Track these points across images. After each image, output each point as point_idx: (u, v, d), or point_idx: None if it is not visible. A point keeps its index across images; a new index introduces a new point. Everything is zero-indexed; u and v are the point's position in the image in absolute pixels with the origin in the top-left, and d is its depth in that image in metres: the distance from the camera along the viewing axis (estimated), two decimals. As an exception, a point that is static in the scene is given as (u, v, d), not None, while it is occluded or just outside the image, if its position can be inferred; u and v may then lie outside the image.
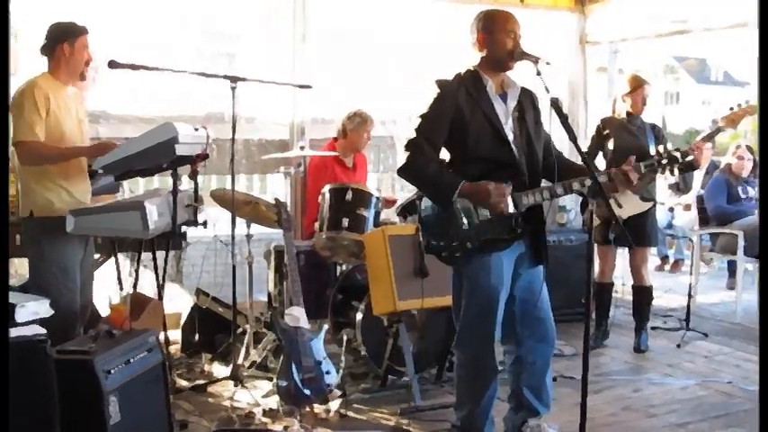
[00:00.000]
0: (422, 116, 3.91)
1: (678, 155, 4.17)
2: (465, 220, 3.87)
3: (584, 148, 6.21)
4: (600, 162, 6.30)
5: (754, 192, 7.98)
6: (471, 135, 3.87)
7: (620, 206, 5.80)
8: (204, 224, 5.04)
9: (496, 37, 3.93)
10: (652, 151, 6.06)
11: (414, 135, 3.88)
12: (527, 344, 4.09)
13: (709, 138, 5.96)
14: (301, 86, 5.57)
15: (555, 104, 3.71)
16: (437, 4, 7.72)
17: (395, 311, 5.01)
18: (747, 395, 5.31)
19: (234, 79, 4.98)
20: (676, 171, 4.22)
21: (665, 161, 4.14)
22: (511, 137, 3.95)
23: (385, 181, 8.15)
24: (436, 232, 3.95)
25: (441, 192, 3.87)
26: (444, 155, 3.98)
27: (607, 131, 6.29)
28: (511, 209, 3.88)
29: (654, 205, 6.35)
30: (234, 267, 5.20)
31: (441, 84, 3.96)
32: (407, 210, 5.29)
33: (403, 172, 3.94)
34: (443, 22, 7.64)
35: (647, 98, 6.30)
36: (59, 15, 4.67)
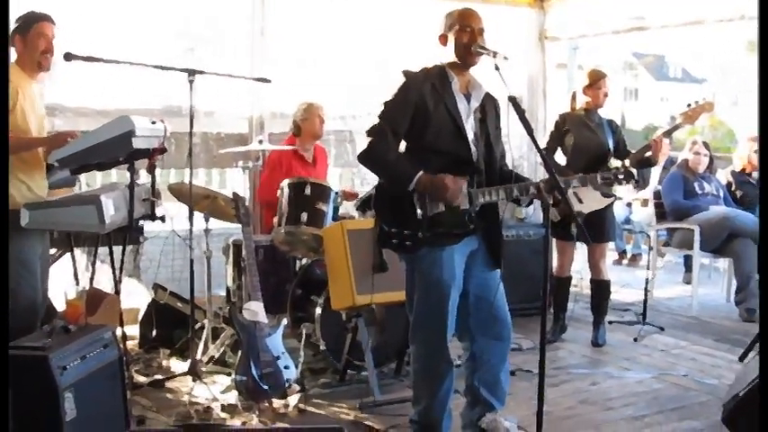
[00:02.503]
0: (386, 103, 3.93)
1: (635, 172, 4.26)
2: (419, 210, 3.89)
3: (543, 144, 6.25)
4: (559, 158, 6.34)
5: (710, 187, 8.07)
6: (432, 127, 3.91)
7: (580, 201, 5.85)
8: (162, 219, 5.01)
9: (455, 33, 3.98)
10: (611, 146, 6.18)
11: (377, 121, 3.91)
12: (481, 341, 4.12)
13: (668, 134, 6.06)
14: (260, 80, 5.54)
15: (513, 100, 3.75)
16: (397, -2, 7.74)
17: (354, 306, 5.00)
18: (703, 388, 5.39)
19: (192, 72, 4.96)
20: (632, 186, 4.31)
21: (621, 176, 4.20)
22: (470, 136, 3.99)
23: (345, 175, 8.13)
24: (390, 218, 3.96)
25: (398, 179, 3.88)
26: (402, 146, 4.00)
27: (566, 127, 6.32)
28: (465, 204, 3.91)
29: (613, 201, 6.40)
30: (192, 262, 5.17)
31: (407, 74, 3.99)
32: (367, 204, 5.31)
33: (363, 157, 3.94)
34: (404, 16, 7.67)
35: (608, 91, 6.34)
36: (16, 7, 4.58)
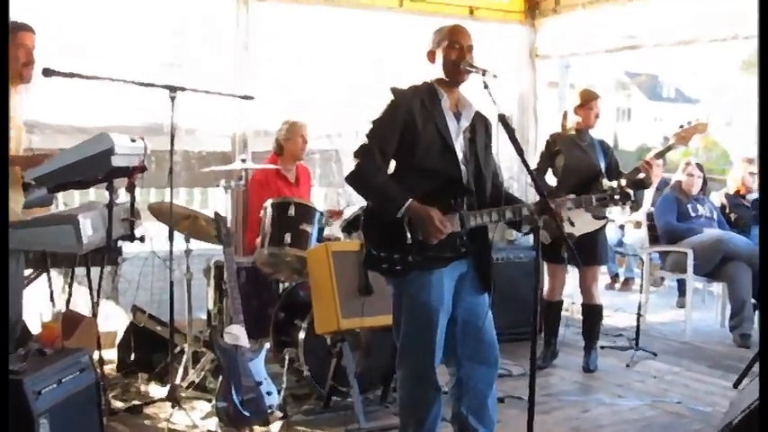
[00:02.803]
0: (374, 122, 3.91)
1: (631, 192, 4.25)
2: (409, 234, 3.86)
3: (533, 165, 6.26)
4: (550, 179, 6.36)
5: (703, 209, 8.11)
6: (421, 146, 3.89)
7: (572, 224, 5.86)
8: (141, 239, 5.00)
9: (443, 50, 3.98)
10: (602, 167, 6.20)
11: (365, 141, 3.88)
12: (467, 366, 4.08)
13: (661, 155, 6.09)
14: (243, 97, 5.55)
15: (502, 119, 3.76)
16: (385, 15, 7.76)
17: (338, 330, 5.00)
18: (696, 415, 5.39)
19: (173, 89, 4.96)
20: (627, 207, 4.32)
21: (617, 196, 4.22)
22: (460, 155, 3.98)
23: (330, 196, 8.13)
24: (378, 241, 3.94)
25: (387, 204, 3.86)
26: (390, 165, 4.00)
27: (557, 148, 6.35)
28: (457, 227, 3.90)
29: (606, 223, 6.43)
30: (172, 284, 5.16)
31: (396, 91, 3.98)
32: (353, 225, 5.30)
33: (351, 179, 3.91)
34: (390, 33, 7.69)
35: (599, 112, 6.38)
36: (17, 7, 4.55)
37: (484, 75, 3.84)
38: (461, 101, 4.08)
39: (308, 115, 6.73)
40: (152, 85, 4.96)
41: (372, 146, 3.87)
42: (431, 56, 4.06)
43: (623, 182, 4.37)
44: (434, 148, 3.92)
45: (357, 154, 3.88)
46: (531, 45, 8.63)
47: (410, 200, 3.80)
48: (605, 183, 4.35)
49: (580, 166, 6.22)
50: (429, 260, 3.88)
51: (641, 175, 5.94)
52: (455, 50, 3.96)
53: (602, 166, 6.26)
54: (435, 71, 4.04)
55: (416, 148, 3.89)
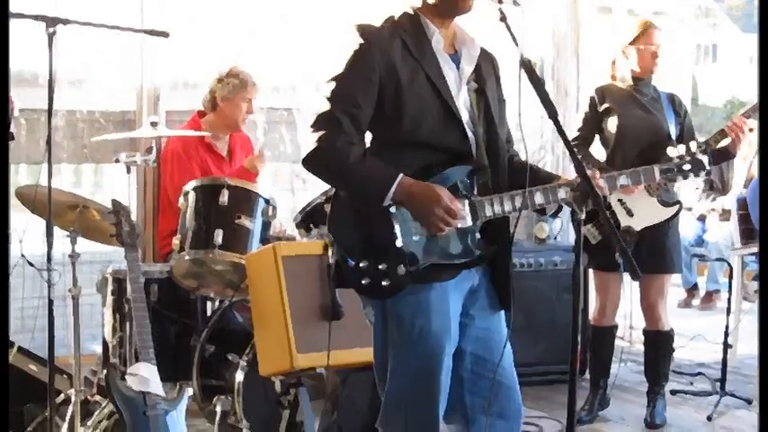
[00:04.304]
0: (338, 79, 3.84)
1: (706, 159, 4.22)
2: (399, 233, 3.82)
3: (574, 132, 6.29)
4: (597, 151, 6.37)
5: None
6: (409, 109, 3.84)
7: (630, 214, 5.89)
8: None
9: (438, -36, 3.93)
10: (673, 131, 6.22)
11: (326, 107, 3.80)
12: (480, 422, 4.07)
13: (755, 112, 6.09)
14: (154, 33, 5.55)
15: (527, 66, 3.72)
16: None
17: (292, 370, 5.02)
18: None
19: (52, 21, 4.95)
20: (702, 179, 4.30)
21: (687, 167, 4.18)
22: (465, 116, 3.94)
23: (281, 174, 8.14)
24: (355, 245, 3.87)
25: (367, 190, 3.81)
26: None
27: (607, 105, 6.37)
28: (467, 221, 3.88)
29: (678, 212, 6.44)
30: (51, 303, 5.15)
31: (365, 31, 3.88)
32: (312, 218, 5.31)
33: (311, 161, 3.84)
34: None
35: (658, 51, 6.35)
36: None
37: (500, 2, 3.76)
38: (459, 36, 4.03)
39: (247, 62, 6.72)
40: (21, 16, 4.95)
41: (337, 112, 3.79)
42: None
43: (694, 145, 4.36)
44: (427, 111, 3.86)
45: (317, 125, 3.79)
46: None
47: (400, 176, 3.74)
48: (670, 150, 4.33)
49: (641, 128, 6.22)
50: (429, 269, 3.86)
51: (725, 142, 5.95)
52: (458, -37, 3.92)
53: (674, 129, 6.27)
54: None
55: (402, 112, 3.83)
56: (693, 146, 4.41)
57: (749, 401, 6.93)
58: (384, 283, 3.82)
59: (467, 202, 3.86)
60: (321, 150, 3.78)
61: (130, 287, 5.16)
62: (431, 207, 3.73)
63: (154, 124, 5.94)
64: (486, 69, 4.06)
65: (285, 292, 5.00)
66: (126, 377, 4.96)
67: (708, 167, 4.24)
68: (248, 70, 6.55)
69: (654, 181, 4.23)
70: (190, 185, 5.69)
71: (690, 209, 9.63)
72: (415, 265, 3.82)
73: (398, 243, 3.80)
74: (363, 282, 3.84)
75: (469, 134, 3.93)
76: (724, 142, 5.94)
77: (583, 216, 3.81)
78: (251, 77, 6.53)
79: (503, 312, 4.10)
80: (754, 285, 8.47)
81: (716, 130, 6.10)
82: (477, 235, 3.93)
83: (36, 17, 4.94)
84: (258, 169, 6.29)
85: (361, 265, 3.83)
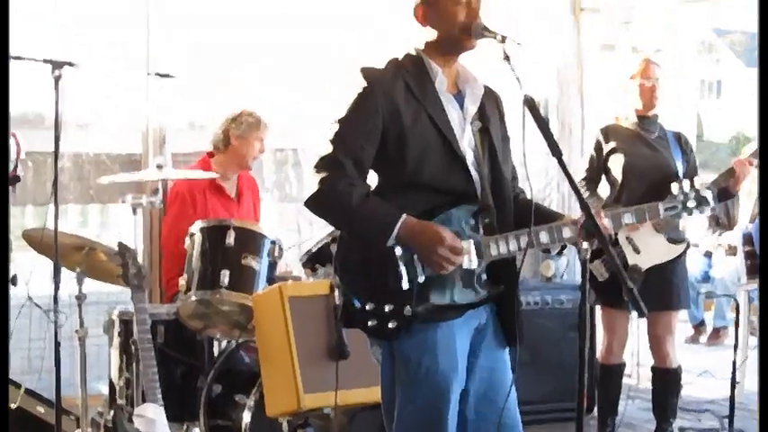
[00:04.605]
0: (341, 121, 3.86)
1: (710, 195, 4.21)
2: (405, 274, 3.82)
3: (581, 173, 6.29)
4: (604, 190, 6.36)
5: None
6: (412, 151, 3.84)
7: (637, 251, 5.88)
8: (13, 280, 5.00)
9: (443, 6, 3.92)
10: (680, 168, 6.22)
11: (329, 149, 3.82)
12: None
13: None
14: (159, 75, 5.58)
15: (529, 104, 3.72)
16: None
17: (299, 411, 5.02)
18: None
19: (58, 65, 4.97)
20: (707, 214, 4.28)
21: (692, 203, 4.18)
22: (469, 156, 3.95)
23: (286, 215, 8.14)
24: (362, 287, 3.88)
25: (371, 230, 3.82)
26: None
27: (612, 145, 6.36)
28: (473, 262, 3.87)
29: (685, 249, 6.44)
30: (58, 345, 5.16)
31: (368, 74, 3.90)
32: (318, 258, 5.31)
33: (313, 204, 3.86)
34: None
35: (657, 84, 6.34)
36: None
37: (503, 42, 3.77)
38: (462, 75, 4.05)
39: (255, 102, 6.73)
40: (29, 59, 4.97)
41: (339, 155, 3.81)
42: (421, 13, 3.99)
43: (698, 182, 4.35)
44: (431, 153, 3.86)
45: (320, 167, 3.81)
46: (575, -5, 8.68)
47: (404, 216, 3.75)
48: (674, 187, 4.32)
49: (646, 168, 6.20)
50: (436, 309, 3.86)
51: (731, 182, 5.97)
52: (462, 8, 3.90)
53: (681, 168, 6.26)
54: (425, 35, 3.99)
55: (405, 154, 3.84)
56: (698, 182, 4.40)
57: (758, 440, 6.91)
58: (391, 324, 3.83)
59: (472, 242, 3.85)
60: (323, 193, 3.81)
61: (137, 328, 5.16)
62: (434, 246, 3.72)
63: (159, 167, 5.95)
64: (489, 107, 4.06)
65: (292, 332, 5.01)
66: (133, 418, 4.96)
67: (712, 203, 4.24)
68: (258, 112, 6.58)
69: (658, 218, 4.22)
70: (196, 226, 5.70)
71: (696, 245, 9.60)
72: (421, 305, 3.81)
73: (404, 284, 3.81)
74: (370, 323, 3.85)
75: (474, 174, 3.94)
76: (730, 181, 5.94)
77: (588, 256, 3.83)
78: (264, 120, 6.56)
79: (508, 351, 4.09)
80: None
81: (721, 165, 6.11)
82: (484, 276, 3.92)
83: (45, 60, 4.96)
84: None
85: (367, 307, 3.84)
